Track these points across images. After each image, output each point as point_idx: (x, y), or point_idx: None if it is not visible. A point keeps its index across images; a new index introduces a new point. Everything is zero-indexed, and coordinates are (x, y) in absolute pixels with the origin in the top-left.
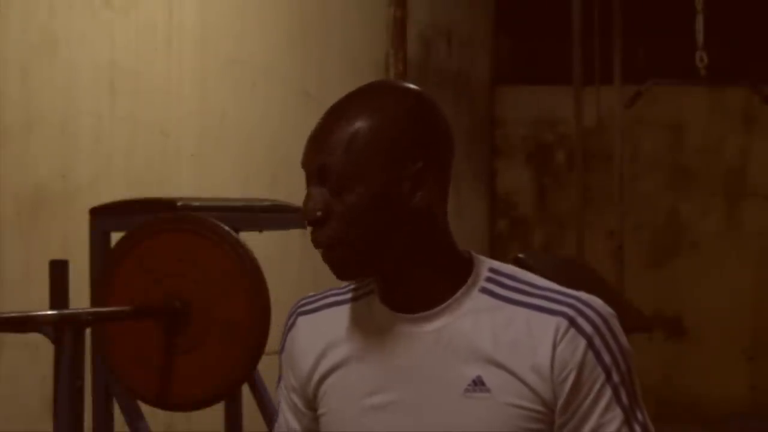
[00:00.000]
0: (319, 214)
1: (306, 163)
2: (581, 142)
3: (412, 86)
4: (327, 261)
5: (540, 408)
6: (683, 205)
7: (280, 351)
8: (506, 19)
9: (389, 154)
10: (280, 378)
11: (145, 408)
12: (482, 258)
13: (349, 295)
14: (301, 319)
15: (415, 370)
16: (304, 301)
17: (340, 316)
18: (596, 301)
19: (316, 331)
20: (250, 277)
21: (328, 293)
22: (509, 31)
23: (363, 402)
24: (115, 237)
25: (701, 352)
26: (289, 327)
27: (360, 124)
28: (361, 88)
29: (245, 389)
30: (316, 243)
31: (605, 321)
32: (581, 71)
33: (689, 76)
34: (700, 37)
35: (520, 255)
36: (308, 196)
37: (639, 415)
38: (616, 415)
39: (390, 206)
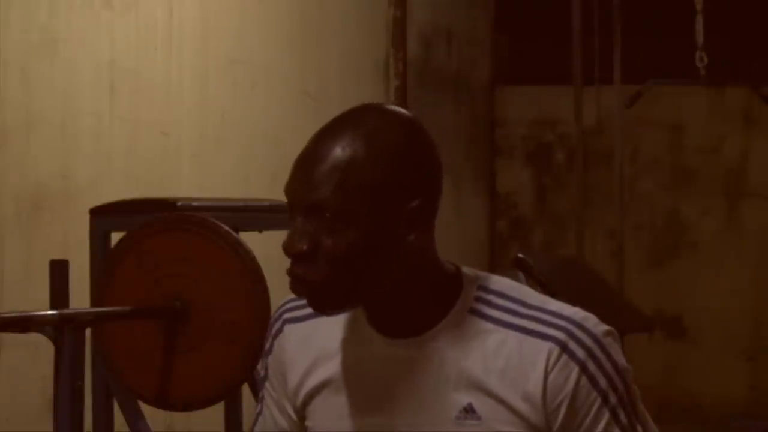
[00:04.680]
0: (304, 248)
1: (292, 193)
2: (581, 142)
3: (404, 113)
4: (303, 295)
5: None
6: (683, 205)
7: (267, 353)
8: (506, 19)
9: (385, 194)
10: (265, 377)
11: (145, 408)
12: (470, 274)
13: None
14: (288, 328)
15: (405, 396)
16: (289, 305)
17: (328, 329)
18: (590, 321)
19: (304, 344)
20: (250, 277)
21: None
22: (509, 31)
23: (352, 423)
24: (115, 237)
25: (701, 352)
26: (276, 333)
27: (354, 158)
28: (352, 113)
29: (245, 389)
30: (296, 279)
31: (598, 342)
32: (581, 71)
33: (689, 76)
34: (700, 37)
35: (520, 255)
36: (294, 228)
37: (640, 431)
38: None
39: (382, 246)
